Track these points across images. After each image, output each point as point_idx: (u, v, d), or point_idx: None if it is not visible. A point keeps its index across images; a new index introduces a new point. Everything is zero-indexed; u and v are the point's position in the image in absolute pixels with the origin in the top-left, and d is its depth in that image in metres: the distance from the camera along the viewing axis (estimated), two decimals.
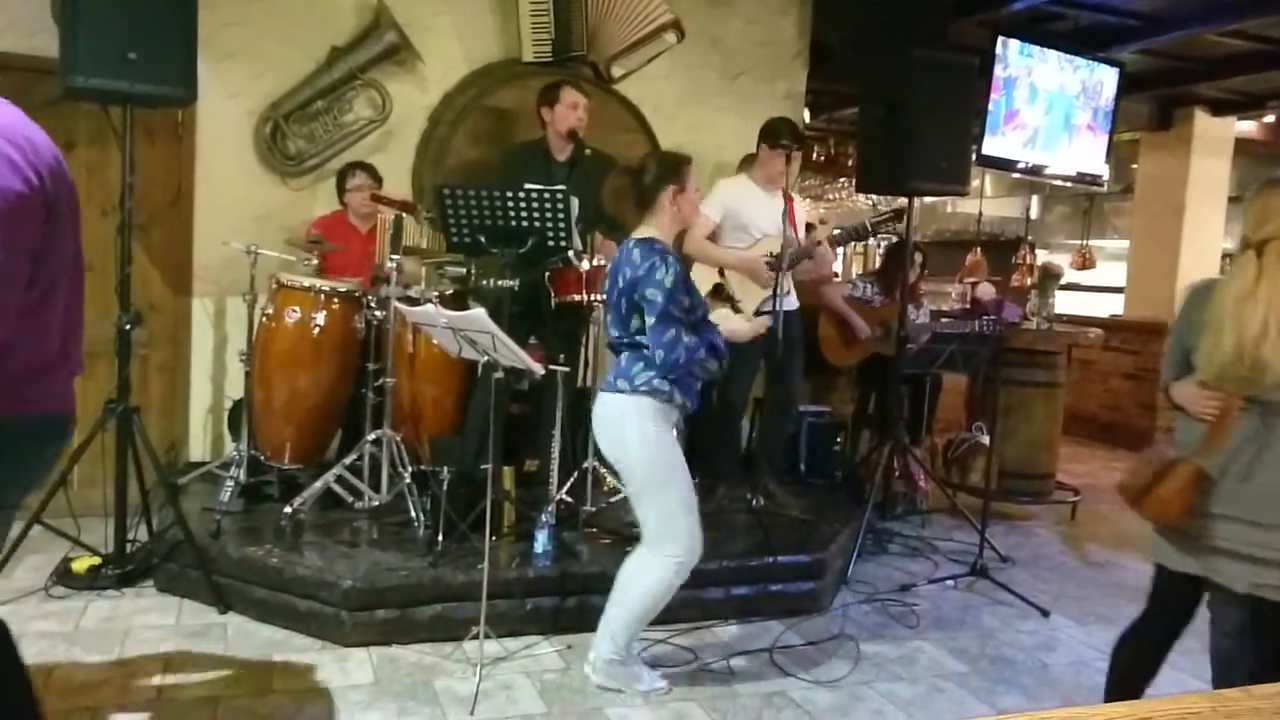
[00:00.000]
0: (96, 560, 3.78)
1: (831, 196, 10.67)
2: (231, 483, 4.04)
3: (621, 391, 2.98)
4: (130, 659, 3.20)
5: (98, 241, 4.49)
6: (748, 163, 4.86)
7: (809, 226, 4.55)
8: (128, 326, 3.71)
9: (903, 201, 5.05)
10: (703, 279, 4.67)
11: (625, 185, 3.06)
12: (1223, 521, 2.40)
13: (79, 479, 3.89)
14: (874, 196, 9.21)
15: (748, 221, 4.45)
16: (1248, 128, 8.29)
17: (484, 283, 4.06)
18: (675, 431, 3.08)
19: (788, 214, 4.21)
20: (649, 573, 3.04)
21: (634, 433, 2.97)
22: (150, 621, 3.50)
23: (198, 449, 4.81)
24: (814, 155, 9.28)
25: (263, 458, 4.12)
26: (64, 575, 3.74)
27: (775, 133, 4.43)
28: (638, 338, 2.96)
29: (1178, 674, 3.60)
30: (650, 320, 2.89)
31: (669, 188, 3.02)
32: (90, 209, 4.56)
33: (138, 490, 3.85)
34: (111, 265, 3.90)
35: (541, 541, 3.67)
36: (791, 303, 4.48)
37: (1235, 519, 2.38)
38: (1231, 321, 2.29)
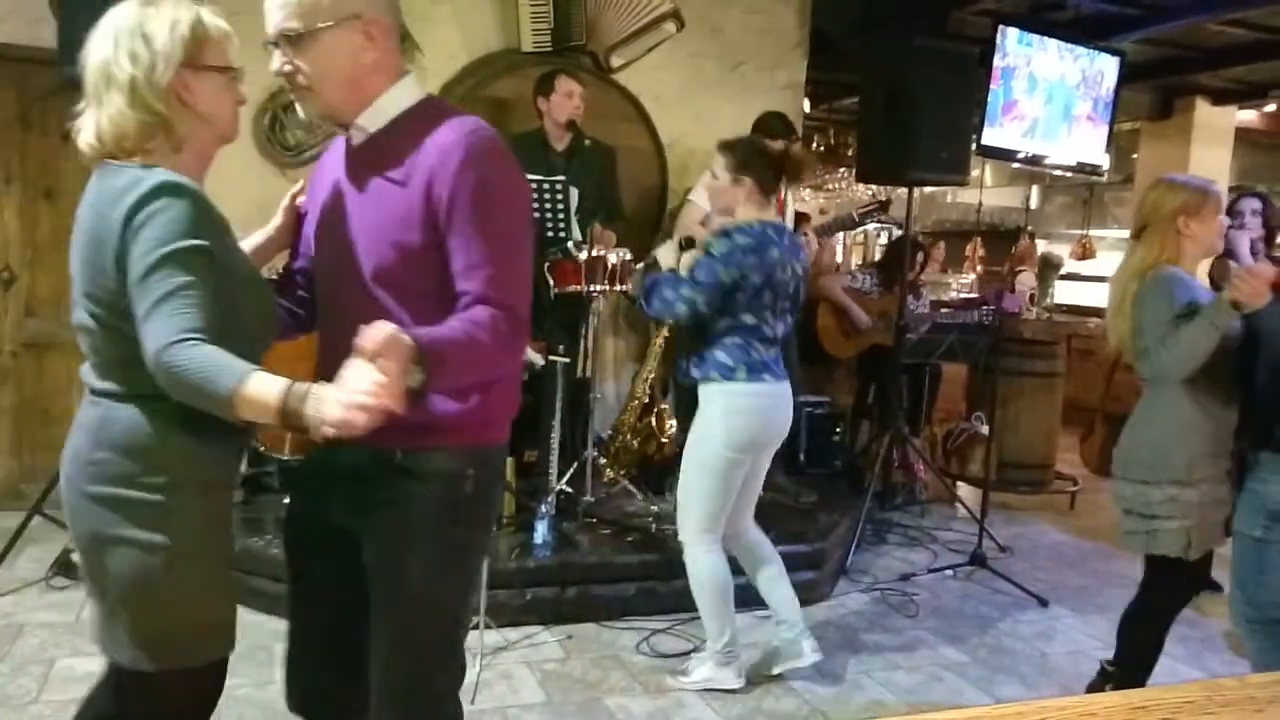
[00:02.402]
0: None
1: (831, 186, 10.67)
2: None
3: None
4: None
5: None
6: None
7: (799, 217, 4.55)
8: None
9: (900, 191, 5.05)
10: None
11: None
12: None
13: None
14: (874, 186, 9.20)
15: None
16: (1248, 117, 8.27)
17: None
18: None
19: (779, 207, 4.22)
20: None
21: None
22: None
23: None
24: (814, 145, 9.27)
25: (262, 449, 4.12)
26: (65, 566, 3.74)
27: (767, 126, 4.44)
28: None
29: (1174, 663, 3.62)
30: None
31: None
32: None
33: None
34: None
35: (541, 532, 3.68)
36: None
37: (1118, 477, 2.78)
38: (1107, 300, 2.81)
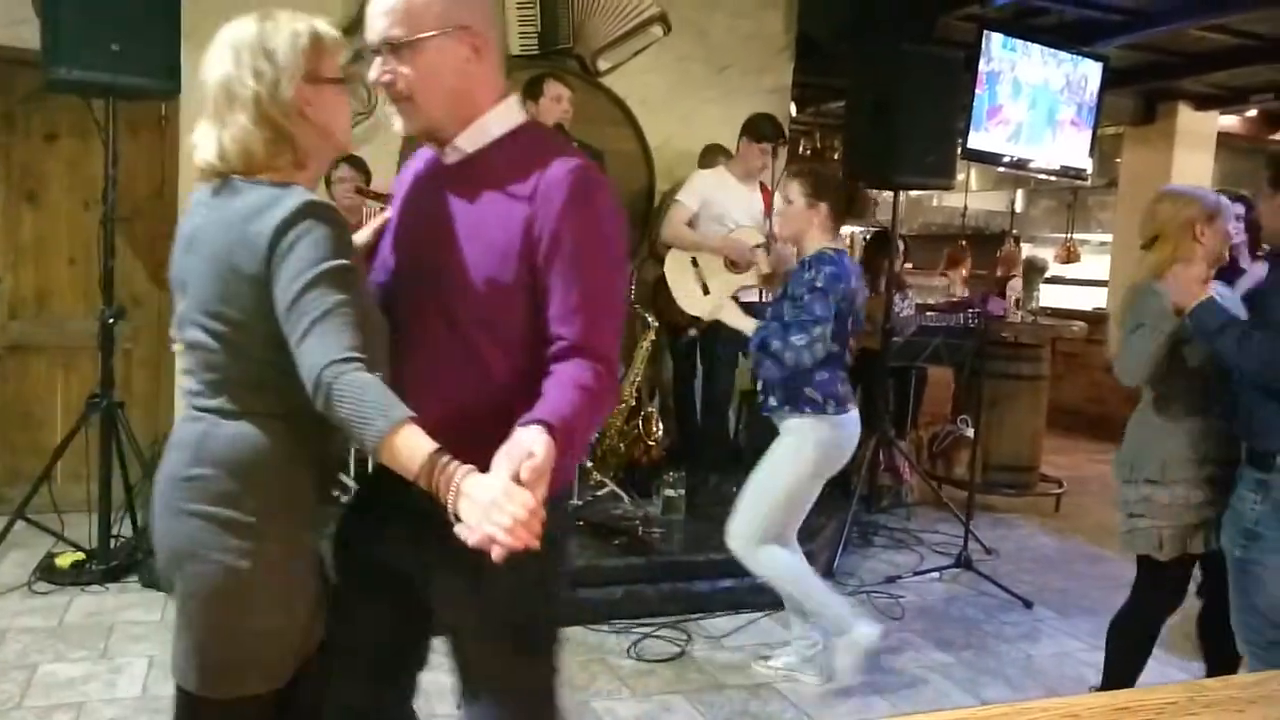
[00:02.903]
0: (80, 556, 3.76)
1: None
2: None
3: None
4: (115, 655, 3.19)
5: (80, 234, 4.48)
6: (709, 154, 4.88)
7: None
8: (111, 320, 3.69)
9: (886, 194, 5.06)
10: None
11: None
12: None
13: (62, 474, 3.87)
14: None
15: (723, 212, 4.47)
16: (1230, 122, 8.34)
17: None
18: None
19: (764, 207, 4.25)
20: None
21: None
22: (135, 617, 3.49)
23: None
24: (800, 148, 9.29)
25: None
26: (47, 571, 3.72)
27: (756, 128, 4.45)
28: None
29: (1157, 663, 3.64)
30: None
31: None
32: (73, 201, 4.54)
33: (122, 485, 3.83)
34: (95, 258, 3.87)
35: None
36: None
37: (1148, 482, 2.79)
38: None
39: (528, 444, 1.30)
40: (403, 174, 1.75)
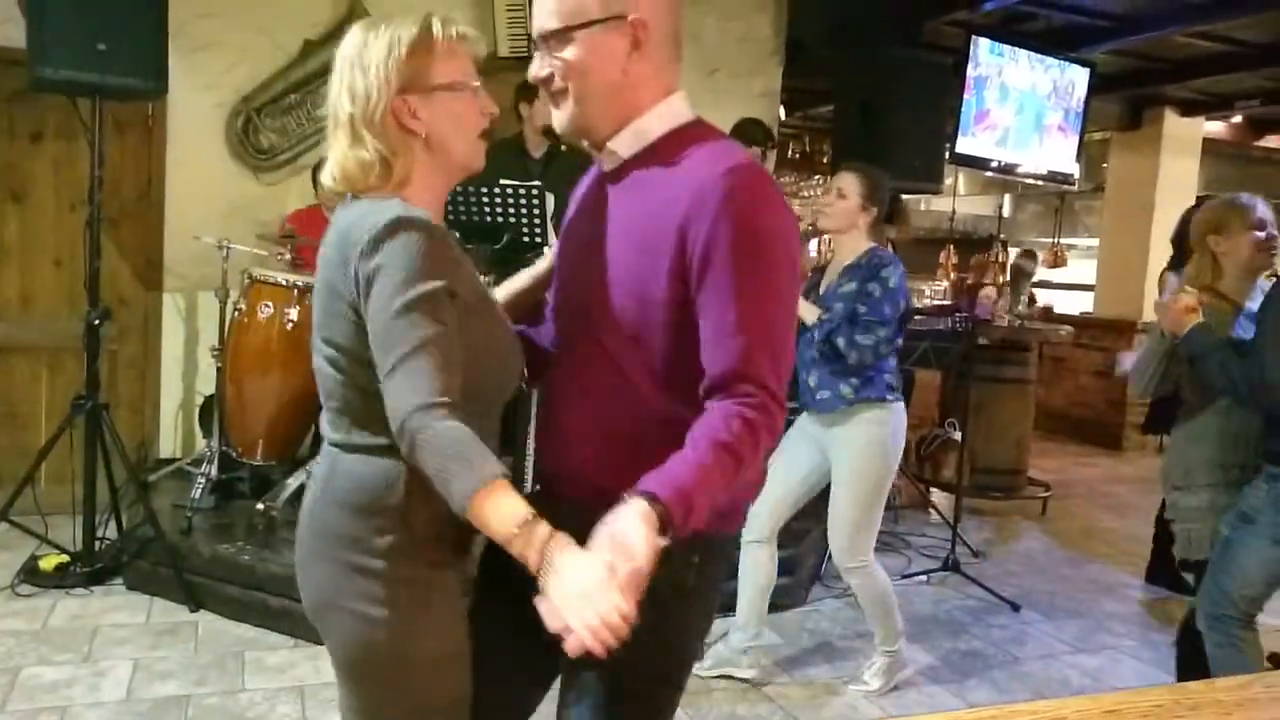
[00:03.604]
0: (65, 558, 3.73)
1: (807, 193, 10.71)
2: (203, 479, 4.01)
3: None
4: (99, 658, 3.17)
5: (66, 235, 4.46)
6: None
7: None
8: (97, 321, 3.67)
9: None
10: None
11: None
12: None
13: (46, 476, 3.84)
14: None
15: None
16: (1216, 128, 8.40)
17: None
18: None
19: None
20: None
21: None
22: (120, 620, 3.47)
23: (168, 445, 4.76)
24: (789, 152, 9.31)
25: (235, 454, 4.08)
26: (31, 573, 3.69)
27: (745, 132, 4.45)
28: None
29: (1143, 666, 3.66)
30: None
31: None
32: (59, 202, 4.51)
33: (107, 487, 3.81)
34: (80, 259, 3.85)
35: None
36: None
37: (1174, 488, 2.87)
38: None
39: (632, 538, 1.16)
40: (578, 184, 1.61)
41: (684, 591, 1.37)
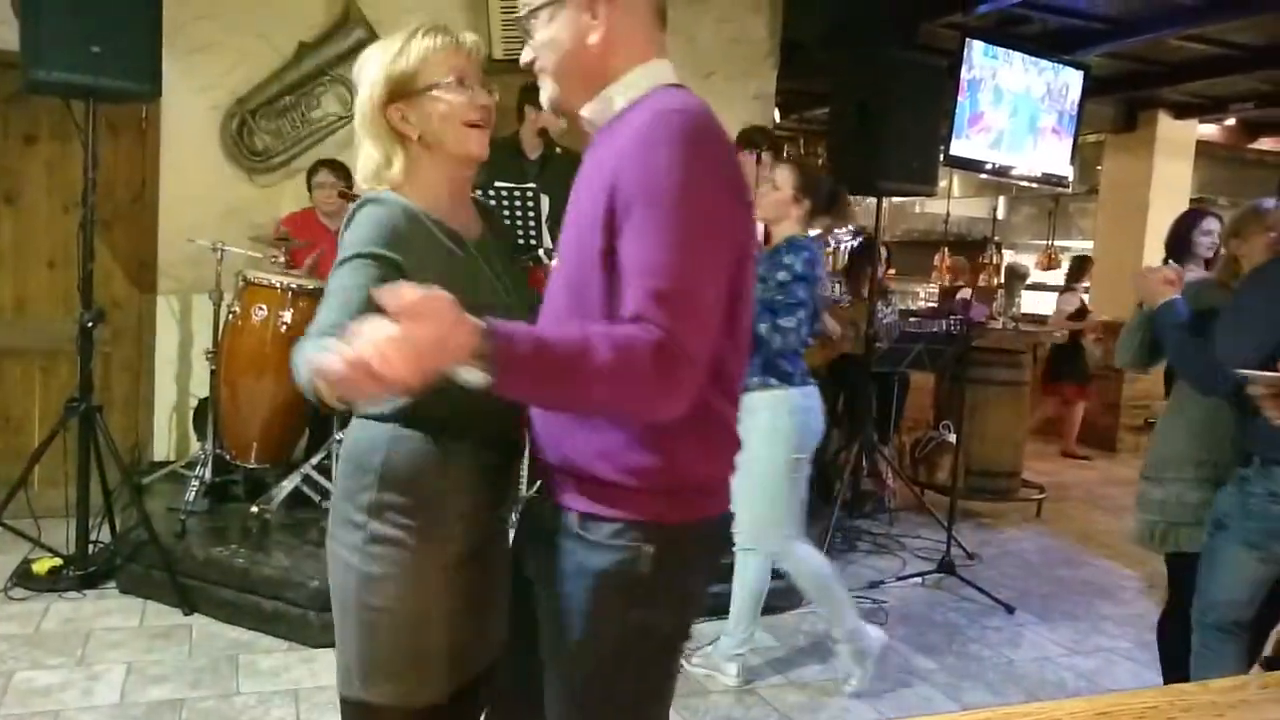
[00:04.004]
0: (58, 561, 3.72)
1: None
2: (196, 482, 4.00)
3: None
4: (93, 662, 3.16)
5: (59, 237, 4.45)
6: None
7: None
8: (90, 324, 3.66)
9: (869, 201, 5.06)
10: None
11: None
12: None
13: (40, 479, 3.84)
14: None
15: None
16: (1209, 131, 8.43)
17: None
18: None
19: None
20: None
21: None
22: (113, 623, 3.46)
23: (162, 448, 4.75)
24: (785, 154, 9.32)
25: (228, 457, 4.07)
26: (24, 577, 3.67)
27: (750, 139, 4.48)
28: None
29: (1139, 668, 3.66)
30: None
31: None
32: (52, 204, 4.50)
33: (100, 490, 3.80)
34: (74, 262, 3.84)
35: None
36: None
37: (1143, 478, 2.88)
38: None
39: (443, 316, 1.10)
40: None
41: (638, 580, 1.33)
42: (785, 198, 3.16)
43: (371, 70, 1.54)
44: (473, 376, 1.13)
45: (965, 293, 7.44)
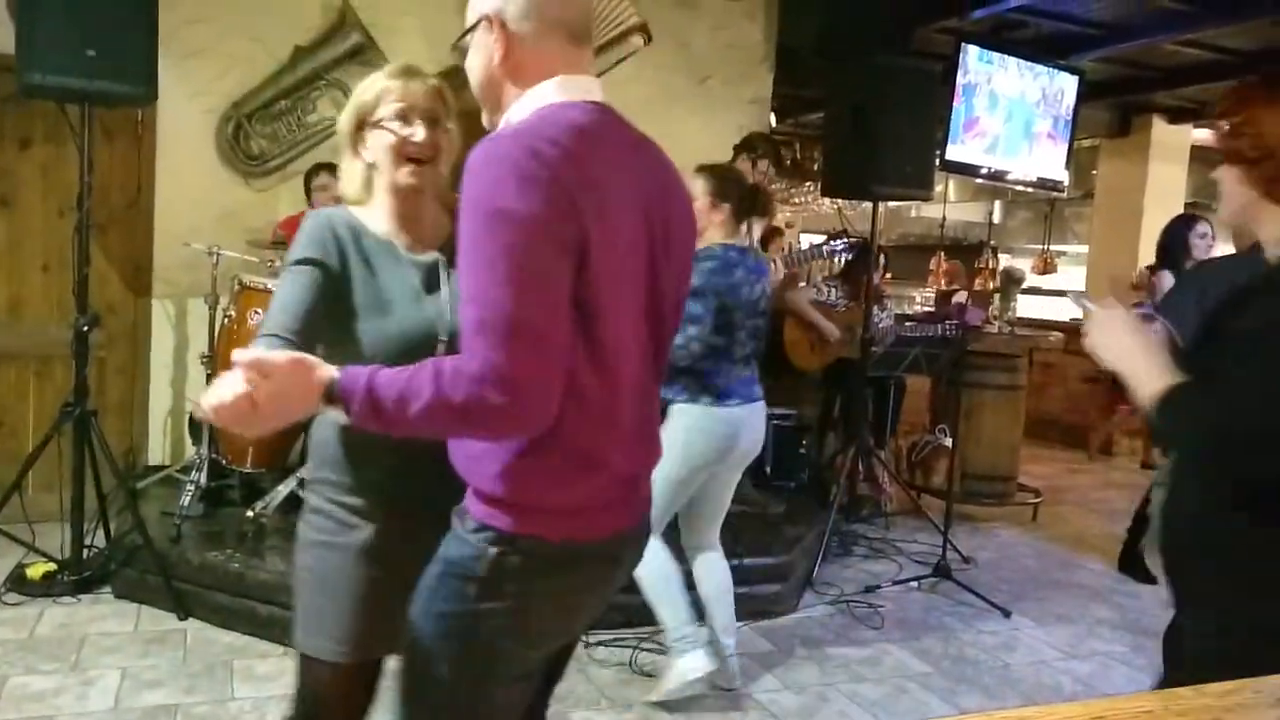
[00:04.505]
0: (52, 566, 3.71)
1: (798, 200, 10.73)
2: (192, 487, 3.99)
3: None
4: (87, 667, 3.15)
5: (54, 241, 4.44)
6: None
7: (773, 231, 4.61)
8: (85, 328, 3.65)
9: (865, 205, 5.07)
10: None
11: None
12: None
13: (34, 483, 3.82)
14: (840, 200, 9.29)
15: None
16: (1204, 135, 8.45)
17: None
18: None
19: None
20: None
21: None
22: (108, 628, 3.45)
23: (157, 453, 4.74)
24: (780, 158, 9.33)
25: (224, 461, 4.06)
26: (18, 582, 3.66)
27: (752, 146, 4.50)
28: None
29: (1134, 672, 3.67)
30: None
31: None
32: (47, 208, 4.50)
33: (95, 495, 3.79)
34: (69, 265, 3.83)
35: None
36: None
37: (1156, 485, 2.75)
38: None
39: (282, 369, 1.30)
40: None
41: (473, 577, 1.38)
42: (702, 206, 3.09)
43: (352, 98, 1.76)
44: (337, 416, 1.32)
45: (961, 296, 7.44)
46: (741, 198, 3.16)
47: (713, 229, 3.13)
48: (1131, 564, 4.69)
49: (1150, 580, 3.30)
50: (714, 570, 3.25)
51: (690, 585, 3.22)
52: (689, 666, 3.09)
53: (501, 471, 1.36)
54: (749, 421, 3.14)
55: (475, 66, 1.48)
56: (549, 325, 1.27)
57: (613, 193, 1.35)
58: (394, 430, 1.31)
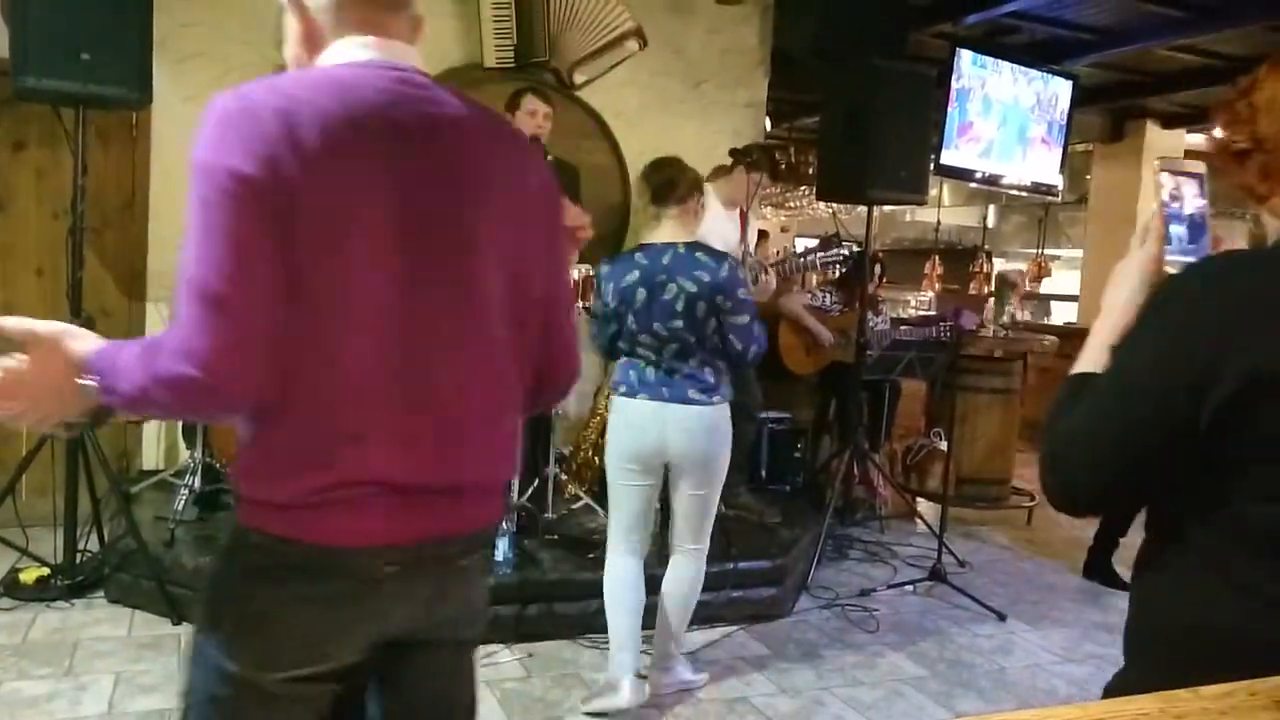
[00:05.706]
0: (45, 571, 3.69)
1: (793, 204, 10.76)
2: (186, 491, 3.97)
3: (719, 403, 3.04)
4: (81, 672, 3.14)
5: (48, 244, 4.42)
6: (716, 173, 4.90)
7: (760, 235, 4.62)
8: None
9: (860, 209, 5.08)
10: None
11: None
12: None
13: (27, 488, 3.81)
14: (834, 204, 9.31)
15: (706, 233, 4.48)
16: (1197, 140, 8.49)
17: None
18: None
19: (740, 232, 4.33)
20: (701, 571, 3.17)
21: (728, 441, 3.08)
22: (101, 633, 3.43)
23: (151, 457, 4.72)
24: (775, 163, 9.35)
25: (218, 465, 4.05)
26: (12, 586, 3.64)
27: (750, 156, 4.50)
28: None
29: None
30: (745, 320, 2.99)
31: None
32: (41, 211, 4.48)
33: (88, 499, 3.77)
34: (63, 269, 3.82)
35: (502, 549, 3.65)
36: None
37: None
38: None
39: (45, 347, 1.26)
40: None
41: (219, 548, 1.45)
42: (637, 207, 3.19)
43: None
44: (90, 394, 1.22)
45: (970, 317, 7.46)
46: (643, 191, 3.18)
47: (645, 230, 3.18)
48: (1097, 570, 4.65)
49: (1120, 585, 3.31)
50: (672, 569, 3.17)
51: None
52: (608, 698, 3.04)
53: (240, 460, 1.29)
54: (663, 416, 2.96)
55: (284, 42, 1.44)
56: (237, 289, 1.17)
57: (363, 161, 1.25)
58: (134, 409, 1.21)
